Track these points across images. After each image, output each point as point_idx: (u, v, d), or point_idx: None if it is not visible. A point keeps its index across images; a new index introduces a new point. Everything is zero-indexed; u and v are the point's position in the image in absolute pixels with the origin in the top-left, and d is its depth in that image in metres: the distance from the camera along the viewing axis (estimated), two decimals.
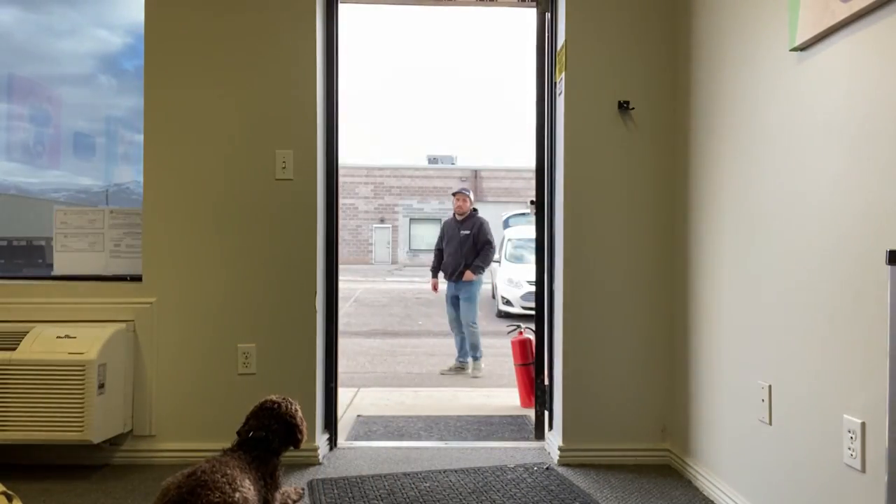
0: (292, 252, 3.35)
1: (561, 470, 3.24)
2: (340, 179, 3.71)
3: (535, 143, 3.69)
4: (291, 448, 2.54)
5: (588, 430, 3.36)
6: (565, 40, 3.39)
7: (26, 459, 3.25)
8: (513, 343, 4.89)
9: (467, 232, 6.50)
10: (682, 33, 3.28)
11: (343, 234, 28.30)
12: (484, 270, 6.61)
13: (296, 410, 2.57)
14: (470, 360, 6.56)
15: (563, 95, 3.39)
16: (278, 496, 2.47)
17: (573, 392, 3.36)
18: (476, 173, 30.85)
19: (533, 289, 4.11)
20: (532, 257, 4.21)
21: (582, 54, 3.35)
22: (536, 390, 3.76)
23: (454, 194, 6.79)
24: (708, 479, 2.94)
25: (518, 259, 12.45)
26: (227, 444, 3.29)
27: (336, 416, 3.59)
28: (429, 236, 30.80)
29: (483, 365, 6.56)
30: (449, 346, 8.27)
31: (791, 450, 2.29)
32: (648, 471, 3.25)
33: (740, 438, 2.67)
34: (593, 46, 3.35)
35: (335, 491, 2.94)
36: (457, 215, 6.66)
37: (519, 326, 5.43)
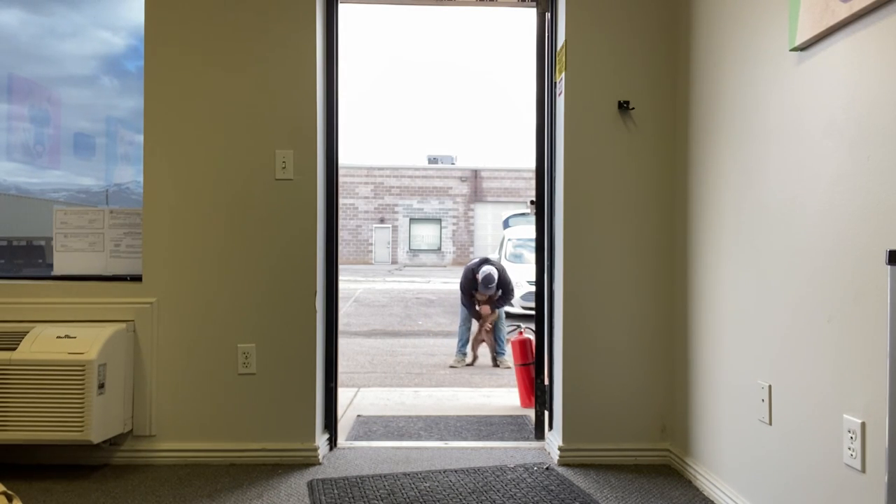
0: (292, 252, 3.35)
1: (561, 470, 3.25)
2: (340, 179, 3.71)
3: (535, 143, 3.69)
4: None
5: (588, 430, 3.36)
6: (565, 40, 3.39)
7: (26, 459, 3.25)
8: (513, 343, 4.89)
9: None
10: (682, 33, 3.28)
11: (343, 234, 28.37)
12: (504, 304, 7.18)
13: None
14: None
15: (563, 95, 3.39)
16: None
17: (573, 392, 3.36)
18: (476, 173, 30.87)
19: (533, 289, 4.11)
20: (532, 257, 4.22)
21: (582, 54, 3.35)
22: (536, 390, 3.76)
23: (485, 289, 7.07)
24: (708, 478, 2.94)
25: (518, 259, 12.44)
26: (228, 444, 3.31)
27: (336, 416, 3.59)
28: (429, 236, 30.85)
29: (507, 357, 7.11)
30: (448, 345, 8.31)
31: (791, 450, 2.29)
32: (648, 471, 3.25)
33: (740, 438, 2.67)
34: (593, 46, 3.35)
35: (335, 491, 2.94)
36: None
37: (519, 326, 5.43)
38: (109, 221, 3.51)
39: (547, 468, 3.26)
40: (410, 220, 30.78)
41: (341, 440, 3.69)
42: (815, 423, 2.15)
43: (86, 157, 4.28)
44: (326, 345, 3.52)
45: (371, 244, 30.46)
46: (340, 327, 3.77)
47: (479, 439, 3.80)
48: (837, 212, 2.04)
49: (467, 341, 7.19)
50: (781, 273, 2.36)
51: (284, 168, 3.34)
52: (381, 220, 30.59)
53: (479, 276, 6.82)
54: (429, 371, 6.84)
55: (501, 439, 3.80)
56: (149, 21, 3.34)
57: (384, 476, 3.13)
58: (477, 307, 7.01)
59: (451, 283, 17.43)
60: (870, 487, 1.88)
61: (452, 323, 10.53)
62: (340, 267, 3.66)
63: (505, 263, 12.60)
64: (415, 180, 30.77)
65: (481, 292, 6.86)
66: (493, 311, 6.99)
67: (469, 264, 7.18)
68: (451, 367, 7.04)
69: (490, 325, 7.02)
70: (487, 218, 30.25)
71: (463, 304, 7.12)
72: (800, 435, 2.24)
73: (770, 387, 2.43)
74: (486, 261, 7.09)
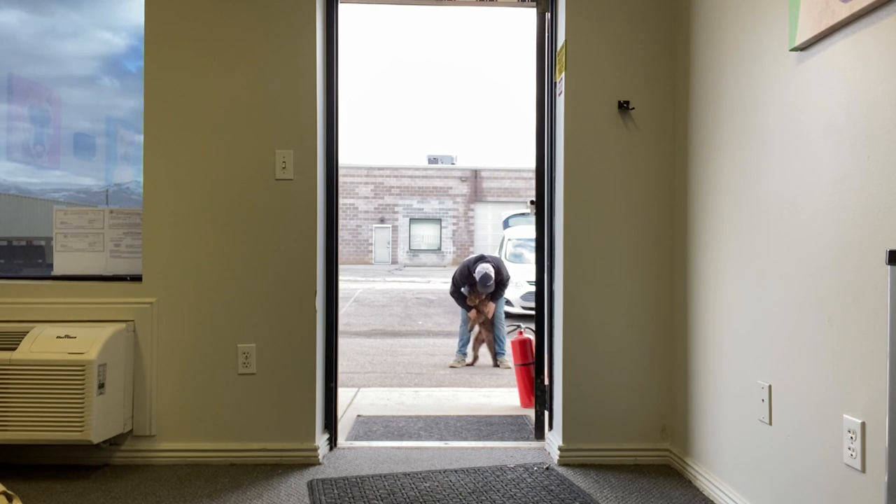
0: (292, 252, 3.35)
1: (561, 470, 3.25)
2: (340, 179, 3.71)
3: (535, 143, 3.69)
4: None
5: (588, 429, 3.36)
6: (565, 40, 3.39)
7: (26, 459, 3.25)
8: (513, 343, 4.89)
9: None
10: (682, 33, 3.28)
11: (343, 234, 28.36)
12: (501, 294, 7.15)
13: None
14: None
15: (563, 95, 3.39)
16: None
17: (573, 392, 3.36)
18: (476, 173, 30.87)
19: (533, 289, 4.11)
20: (532, 257, 4.22)
21: (582, 54, 3.35)
22: (536, 390, 3.76)
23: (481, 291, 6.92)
24: (708, 479, 2.94)
25: (518, 259, 12.44)
26: (228, 444, 3.31)
27: (336, 416, 3.59)
28: (429, 236, 30.85)
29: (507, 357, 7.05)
30: (448, 345, 8.31)
31: (791, 450, 2.29)
32: (648, 471, 3.25)
33: (740, 438, 2.67)
34: (593, 46, 3.35)
35: (335, 491, 2.94)
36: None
37: (519, 326, 5.43)
38: (109, 221, 3.51)
39: (547, 468, 3.26)
40: (410, 220, 30.77)
41: (341, 440, 3.69)
42: (815, 423, 2.15)
43: (86, 157, 4.28)
44: (326, 345, 3.52)
45: (371, 244, 30.45)
46: (340, 327, 3.77)
47: (479, 439, 3.80)
48: (837, 212, 2.04)
49: (468, 342, 7.18)
50: (781, 273, 2.36)
51: (284, 168, 3.34)
52: (381, 220, 30.59)
53: (476, 276, 6.73)
54: (429, 371, 6.83)
55: (501, 439, 3.80)
56: (149, 21, 3.34)
57: (384, 476, 3.13)
58: (468, 301, 6.94)
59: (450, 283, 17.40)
60: (870, 487, 1.88)
61: (452, 323, 10.54)
62: (340, 267, 3.66)
63: (505, 263, 12.61)
64: (415, 180, 30.76)
65: (479, 292, 6.81)
66: (488, 301, 6.90)
67: (465, 261, 7.11)
68: (451, 367, 7.04)
69: (489, 316, 6.92)
70: (487, 218, 30.25)
71: (452, 294, 7.07)
72: (800, 435, 2.24)
73: (770, 387, 2.43)
74: (481, 258, 6.98)
